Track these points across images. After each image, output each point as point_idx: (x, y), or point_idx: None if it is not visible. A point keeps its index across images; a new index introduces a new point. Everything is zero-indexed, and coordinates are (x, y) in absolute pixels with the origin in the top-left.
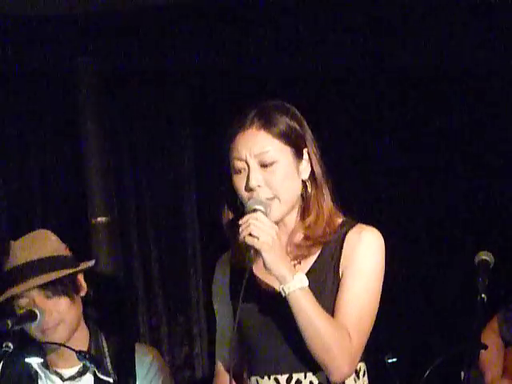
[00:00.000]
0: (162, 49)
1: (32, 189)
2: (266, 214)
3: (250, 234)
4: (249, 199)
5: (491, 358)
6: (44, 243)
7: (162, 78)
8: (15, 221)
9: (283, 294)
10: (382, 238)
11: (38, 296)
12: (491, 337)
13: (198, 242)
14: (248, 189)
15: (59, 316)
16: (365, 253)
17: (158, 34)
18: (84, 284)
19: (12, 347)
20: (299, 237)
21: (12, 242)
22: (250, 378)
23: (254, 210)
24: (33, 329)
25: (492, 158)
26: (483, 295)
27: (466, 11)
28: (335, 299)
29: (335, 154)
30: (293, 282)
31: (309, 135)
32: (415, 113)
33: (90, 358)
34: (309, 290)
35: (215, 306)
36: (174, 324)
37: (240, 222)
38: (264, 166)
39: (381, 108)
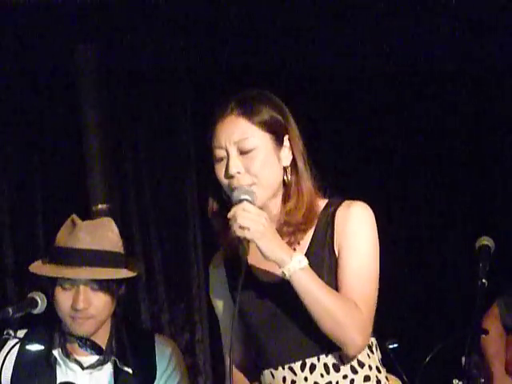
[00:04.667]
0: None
1: (33, 176)
2: (252, 202)
3: (240, 227)
4: (230, 187)
5: (493, 345)
6: (107, 234)
7: (163, 67)
8: (16, 208)
9: (285, 277)
10: (370, 209)
11: (84, 284)
12: (493, 323)
13: (198, 229)
14: (228, 176)
15: (94, 311)
16: (356, 226)
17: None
18: (125, 285)
19: (13, 334)
20: (282, 223)
21: (74, 218)
22: (262, 372)
23: (240, 201)
24: (66, 315)
25: (492, 145)
26: (484, 280)
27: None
28: (335, 278)
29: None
30: (292, 264)
31: (290, 122)
32: (417, 104)
33: (91, 346)
34: (310, 269)
35: (215, 304)
36: (176, 311)
37: (228, 216)
38: (243, 152)
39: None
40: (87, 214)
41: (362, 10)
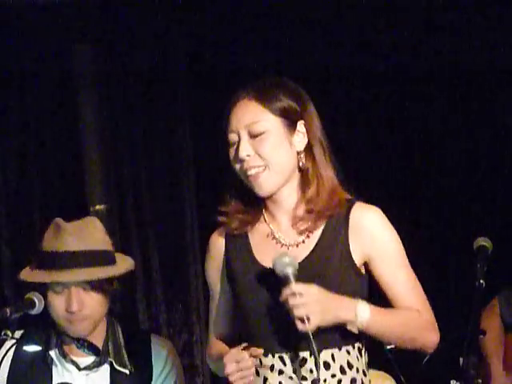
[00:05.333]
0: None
1: (31, 176)
2: (295, 272)
3: (300, 319)
4: (242, 170)
5: (492, 343)
6: (93, 233)
7: (163, 67)
8: (14, 209)
9: (357, 331)
10: (382, 212)
11: (75, 286)
12: (492, 321)
13: (196, 229)
14: (239, 159)
15: (89, 311)
16: (381, 235)
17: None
18: (116, 281)
19: (11, 335)
20: (302, 210)
21: (58, 222)
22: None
23: (285, 277)
24: (61, 318)
25: (492, 145)
26: (481, 281)
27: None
28: (342, 274)
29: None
30: (359, 320)
31: (307, 108)
32: (416, 104)
33: (89, 347)
34: (375, 311)
35: (208, 274)
36: (173, 311)
37: (281, 300)
38: (254, 136)
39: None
40: (86, 215)
41: (361, 9)
